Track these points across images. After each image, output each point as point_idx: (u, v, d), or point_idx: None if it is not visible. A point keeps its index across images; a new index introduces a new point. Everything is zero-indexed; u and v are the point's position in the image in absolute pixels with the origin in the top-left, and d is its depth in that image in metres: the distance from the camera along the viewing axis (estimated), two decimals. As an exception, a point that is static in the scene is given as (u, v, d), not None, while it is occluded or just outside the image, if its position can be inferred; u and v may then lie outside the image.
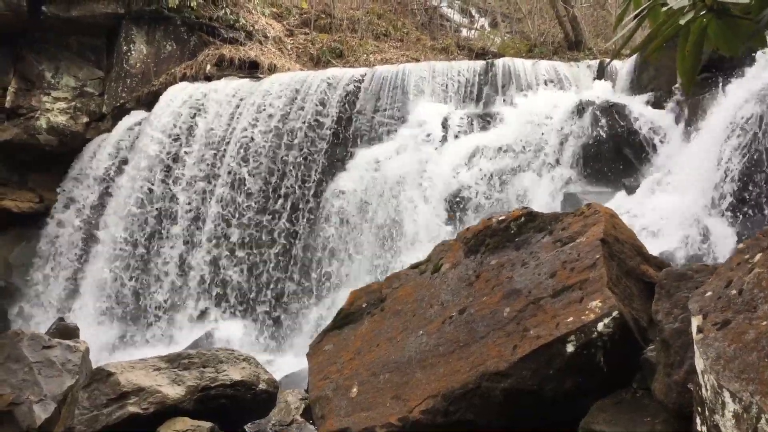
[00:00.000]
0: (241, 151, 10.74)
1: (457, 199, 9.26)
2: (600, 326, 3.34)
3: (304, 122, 10.73)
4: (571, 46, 14.33)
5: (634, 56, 9.56)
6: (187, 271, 10.44)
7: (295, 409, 5.63)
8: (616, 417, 3.22)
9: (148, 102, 11.95)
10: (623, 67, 10.04)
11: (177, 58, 12.56)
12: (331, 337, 4.47)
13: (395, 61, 12.92)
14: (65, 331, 7.46)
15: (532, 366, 3.41)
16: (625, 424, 3.16)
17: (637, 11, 2.36)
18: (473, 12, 18.44)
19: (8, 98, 12.24)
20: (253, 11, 13.73)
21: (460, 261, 4.26)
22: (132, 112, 12.08)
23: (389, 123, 10.50)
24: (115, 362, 5.48)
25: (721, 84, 7.83)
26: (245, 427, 5.46)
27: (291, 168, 10.58)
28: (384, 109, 10.68)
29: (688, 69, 2.25)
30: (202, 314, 10.17)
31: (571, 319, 3.42)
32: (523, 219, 4.21)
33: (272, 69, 12.32)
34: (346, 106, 10.82)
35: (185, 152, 11.00)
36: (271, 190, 10.55)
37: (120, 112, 12.18)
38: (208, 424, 4.88)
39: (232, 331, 9.67)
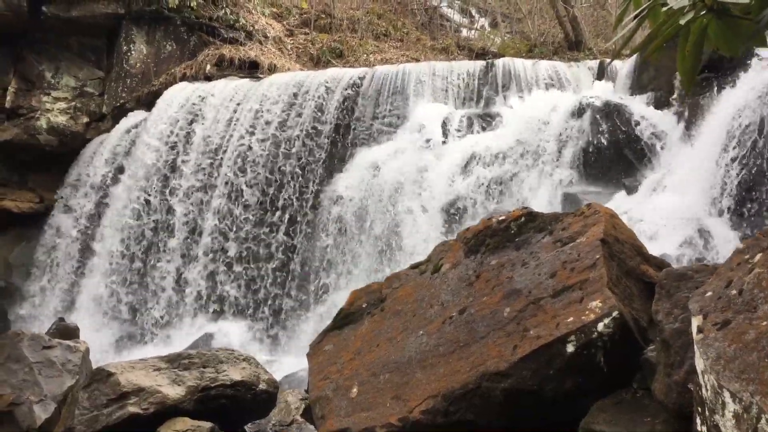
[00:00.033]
0: (239, 160, 10.61)
1: (455, 209, 9.15)
2: (600, 326, 3.34)
3: (302, 130, 10.62)
4: (571, 47, 14.33)
5: (634, 56, 9.55)
6: (184, 286, 10.28)
7: (295, 409, 5.63)
8: (616, 417, 3.22)
9: (148, 102, 11.95)
10: (623, 67, 10.03)
11: (177, 58, 12.56)
12: (332, 337, 4.47)
13: (395, 61, 12.91)
14: (65, 331, 7.46)
15: (533, 366, 3.41)
16: (625, 424, 3.16)
17: (637, 11, 2.36)
18: (473, 12, 18.44)
19: (8, 98, 12.25)
20: (253, 11, 13.73)
21: (461, 261, 4.26)
22: (132, 112, 12.05)
23: (388, 131, 10.42)
24: (115, 362, 5.49)
25: (716, 89, 7.84)
26: (245, 427, 5.46)
27: (289, 179, 10.45)
28: (383, 116, 10.56)
29: (688, 69, 2.25)
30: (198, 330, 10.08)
31: (571, 319, 3.42)
32: (523, 219, 4.21)
33: (272, 69, 12.32)
34: (345, 113, 10.70)
35: (182, 161, 10.86)
36: (268, 202, 10.42)
37: (120, 112, 12.18)
38: (208, 425, 4.88)
39: (232, 332, 9.65)
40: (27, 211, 12.33)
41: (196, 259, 10.38)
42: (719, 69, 8.11)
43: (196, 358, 5.27)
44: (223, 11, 12.96)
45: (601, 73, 10.46)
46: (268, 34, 13.44)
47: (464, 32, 17.03)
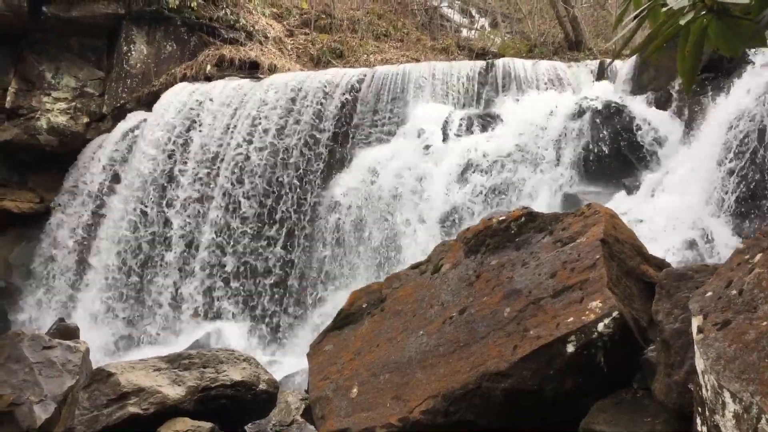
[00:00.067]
0: (236, 170, 10.44)
1: (452, 220, 9.00)
2: (600, 326, 3.34)
3: (299, 138, 10.47)
4: (572, 47, 14.33)
5: (635, 57, 9.55)
6: (181, 302, 10.10)
7: (295, 409, 5.63)
8: (616, 417, 3.22)
9: (149, 102, 11.94)
10: (623, 67, 10.03)
11: (177, 59, 12.56)
12: (332, 338, 4.47)
13: (395, 61, 12.91)
14: (65, 331, 7.46)
15: (533, 366, 3.41)
16: (625, 424, 3.16)
17: (637, 11, 2.36)
18: (473, 12, 18.44)
19: (8, 98, 12.25)
20: (254, 11, 13.74)
21: (461, 261, 4.26)
22: (132, 113, 11.99)
23: (387, 140, 10.35)
24: (116, 363, 5.50)
25: (710, 96, 7.84)
26: (245, 427, 5.46)
27: (287, 189, 10.30)
28: (382, 123, 10.43)
29: (689, 69, 2.25)
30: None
31: (571, 319, 3.42)
32: (523, 219, 4.21)
33: (272, 69, 12.32)
34: (343, 120, 10.57)
35: (179, 170, 10.69)
36: (266, 214, 10.25)
37: (120, 113, 12.18)
38: (208, 425, 4.88)
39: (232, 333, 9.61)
40: (27, 211, 12.33)
41: (193, 274, 10.18)
42: (719, 69, 8.11)
43: (196, 359, 5.27)
44: (223, 11, 12.96)
45: (601, 74, 10.46)
46: (269, 35, 13.45)
47: (464, 32, 17.03)
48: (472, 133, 9.83)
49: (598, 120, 8.89)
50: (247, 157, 10.51)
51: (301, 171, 10.38)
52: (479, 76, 10.77)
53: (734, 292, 2.74)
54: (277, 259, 10.11)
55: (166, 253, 10.46)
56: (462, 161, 9.40)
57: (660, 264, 3.97)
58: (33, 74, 12.42)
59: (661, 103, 9.05)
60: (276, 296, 9.95)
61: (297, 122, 10.62)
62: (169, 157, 10.85)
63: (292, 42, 14.00)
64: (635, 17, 2.36)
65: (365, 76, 10.96)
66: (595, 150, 8.79)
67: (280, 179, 10.37)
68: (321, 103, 10.66)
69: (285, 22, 14.65)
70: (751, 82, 7.26)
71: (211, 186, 10.53)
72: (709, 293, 2.83)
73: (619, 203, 7.65)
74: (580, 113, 9.08)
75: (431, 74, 10.75)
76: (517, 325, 3.59)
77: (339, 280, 9.48)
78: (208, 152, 10.72)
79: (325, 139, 10.50)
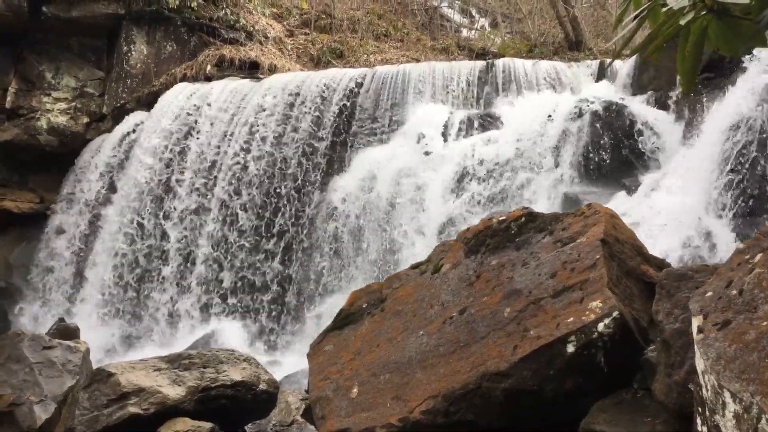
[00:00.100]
0: (233, 181, 10.30)
1: (449, 232, 8.84)
2: (600, 326, 3.34)
3: (297, 147, 10.35)
4: (572, 47, 14.33)
5: (635, 57, 9.55)
6: (177, 319, 9.97)
7: (295, 409, 5.63)
8: (616, 417, 3.22)
9: (149, 102, 11.95)
10: (623, 67, 10.03)
11: (177, 59, 12.56)
12: (332, 338, 4.47)
13: (395, 61, 12.91)
14: (66, 331, 7.46)
15: (533, 366, 3.41)
16: (625, 424, 3.16)
17: (638, 11, 2.36)
18: (473, 12, 18.44)
19: (9, 99, 12.26)
20: (254, 12, 13.74)
21: (461, 261, 4.26)
22: (132, 113, 11.97)
23: (387, 140, 10.29)
24: (116, 363, 5.50)
25: (710, 96, 7.84)
26: (246, 427, 5.46)
27: (285, 202, 10.16)
28: (381, 132, 10.33)
29: (689, 69, 2.25)
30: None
31: (571, 319, 3.42)
32: (523, 219, 4.21)
33: (272, 69, 12.32)
34: (341, 128, 10.47)
35: (176, 180, 10.53)
36: (264, 227, 10.10)
37: (120, 113, 12.18)
38: (208, 425, 4.88)
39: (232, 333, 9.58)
40: (27, 211, 12.34)
41: (189, 289, 10.02)
42: (719, 70, 8.11)
43: (196, 359, 5.27)
44: (223, 12, 12.96)
45: (601, 74, 10.46)
46: (269, 35, 13.45)
47: (464, 32, 17.03)
48: (472, 134, 9.78)
49: (598, 120, 8.88)
50: (245, 167, 10.37)
51: (299, 182, 10.26)
52: (479, 76, 10.76)
53: (734, 292, 2.74)
54: (275, 274, 9.96)
55: (163, 267, 10.28)
56: (461, 169, 9.31)
57: (660, 264, 3.96)
58: (33, 74, 12.42)
59: (662, 103, 9.05)
60: (273, 313, 9.80)
61: (295, 130, 10.51)
62: (166, 166, 10.71)
63: (292, 42, 14.00)
64: (635, 17, 2.36)
65: (364, 77, 10.91)
66: (595, 150, 8.78)
67: (278, 190, 10.24)
68: (319, 110, 10.56)
69: (285, 22, 14.65)
70: (749, 84, 7.26)
71: (208, 197, 10.37)
72: (710, 293, 2.83)
73: (619, 203, 7.65)
74: (580, 113, 9.08)
75: (431, 74, 10.74)
76: (518, 325, 3.59)
77: (337, 294, 9.28)
78: (205, 161, 10.58)
79: (323, 148, 10.39)
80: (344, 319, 4.52)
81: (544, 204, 8.57)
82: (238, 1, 13.42)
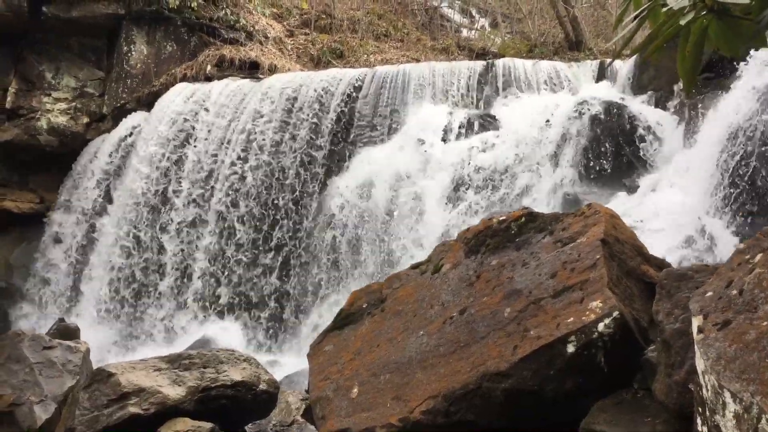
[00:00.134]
0: (231, 192, 10.16)
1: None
2: (600, 326, 3.34)
3: (296, 157, 10.22)
4: (572, 47, 14.33)
5: (635, 57, 9.55)
6: (174, 337, 9.84)
7: (295, 409, 5.63)
8: (616, 417, 3.22)
9: (149, 102, 11.94)
10: (624, 67, 10.04)
11: (177, 59, 12.56)
12: (332, 338, 4.47)
13: (395, 61, 12.91)
14: (66, 331, 7.47)
15: (533, 366, 3.41)
16: (625, 424, 3.16)
17: (638, 12, 2.36)
18: (473, 12, 18.45)
19: (9, 99, 12.26)
20: (254, 12, 13.74)
21: (461, 261, 4.26)
22: (126, 118, 11.90)
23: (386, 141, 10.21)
24: (116, 363, 5.49)
25: (711, 96, 7.83)
26: (246, 427, 5.46)
27: (283, 214, 10.03)
28: (381, 140, 10.23)
29: (689, 69, 2.25)
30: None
31: (571, 319, 3.42)
32: (523, 219, 4.21)
33: (272, 69, 12.32)
34: (340, 136, 10.37)
35: (174, 191, 10.38)
36: (261, 240, 9.95)
37: (120, 113, 12.18)
38: (208, 425, 4.88)
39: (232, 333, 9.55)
40: (27, 211, 12.34)
41: (186, 305, 9.85)
42: (719, 70, 8.11)
43: (196, 359, 5.27)
44: (223, 12, 12.96)
45: (601, 74, 10.46)
46: (269, 35, 13.45)
47: (464, 32, 17.04)
48: (472, 136, 9.73)
49: (598, 120, 8.88)
50: (243, 177, 10.21)
51: (297, 193, 10.13)
52: (479, 76, 10.76)
53: (734, 292, 2.74)
54: (273, 290, 9.83)
55: (159, 282, 10.12)
56: (459, 178, 9.22)
57: (660, 264, 3.96)
58: (33, 74, 12.43)
59: (662, 103, 9.06)
60: (271, 331, 9.68)
61: (293, 138, 10.38)
62: (163, 175, 10.55)
63: (292, 42, 14.00)
64: (635, 17, 2.36)
65: (364, 78, 10.87)
66: (596, 150, 8.78)
67: (276, 202, 10.11)
68: (317, 116, 10.43)
69: (285, 23, 14.65)
70: (749, 84, 7.26)
71: (206, 208, 10.20)
72: (710, 293, 2.83)
73: (620, 203, 7.65)
74: (580, 114, 9.07)
75: (431, 75, 10.73)
76: (518, 326, 3.59)
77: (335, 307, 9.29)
78: (202, 170, 10.44)
79: (320, 157, 10.29)
80: (344, 319, 4.52)
81: (545, 200, 8.57)
82: (238, 1, 13.42)
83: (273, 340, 9.66)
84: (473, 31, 17.24)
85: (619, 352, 3.36)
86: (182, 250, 10.16)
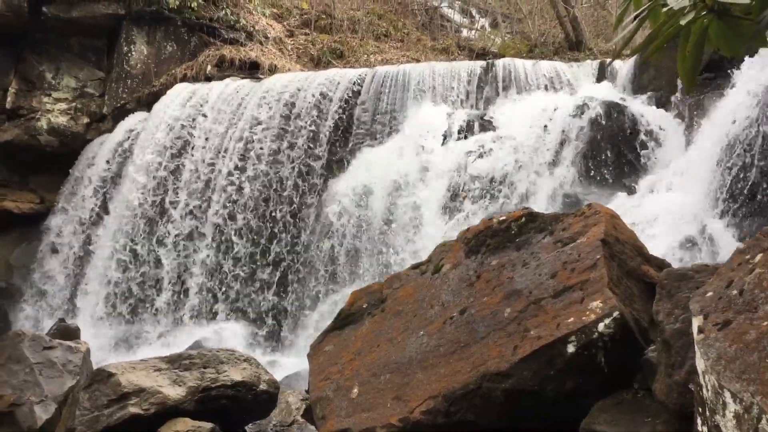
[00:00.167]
0: (228, 204, 10.00)
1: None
2: (601, 327, 3.34)
3: (294, 167, 10.11)
4: (572, 47, 14.33)
5: (635, 57, 9.55)
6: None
7: (296, 409, 5.63)
8: (617, 417, 3.22)
9: (149, 102, 11.94)
10: (624, 67, 10.03)
11: (177, 59, 12.56)
12: (332, 338, 4.47)
13: (395, 61, 12.91)
14: (66, 332, 7.46)
15: (533, 366, 3.41)
16: (626, 424, 3.16)
17: (638, 12, 2.36)
18: (474, 12, 18.44)
19: (9, 99, 12.26)
20: (254, 12, 13.74)
21: (461, 261, 4.26)
22: (123, 121, 11.85)
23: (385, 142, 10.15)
24: (116, 363, 5.49)
25: (711, 96, 7.83)
26: (246, 427, 5.47)
27: (281, 227, 9.90)
28: (381, 142, 10.14)
29: (689, 70, 2.25)
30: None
31: (571, 319, 3.42)
32: (523, 219, 4.21)
33: (273, 70, 12.32)
34: (339, 144, 10.28)
35: (171, 203, 10.21)
36: (259, 254, 9.82)
37: (120, 113, 12.18)
38: (208, 425, 4.88)
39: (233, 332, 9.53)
40: (27, 211, 12.34)
41: (181, 322, 9.71)
42: (720, 70, 8.11)
43: (196, 359, 5.27)
44: (223, 12, 12.96)
45: (601, 74, 10.46)
46: (269, 35, 13.45)
47: (465, 32, 17.04)
48: (473, 134, 9.69)
49: (598, 120, 8.88)
50: (240, 188, 10.06)
51: (294, 206, 10.01)
52: (480, 76, 10.75)
53: (735, 292, 2.74)
54: (270, 306, 9.72)
55: (156, 297, 9.95)
56: (458, 184, 9.16)
57: (661, 264, 3.96)
58: (33, 74, 12.43)
59: (662, 104, 9.06)
60: (269, 349, 9.56)
61: (291, 147, 10.26)
62: (160, 185, 10.40)
63: (292, 42, 14.00)
64: (635, 17, 2.36)
65: (364, 78, 10.85)
66: (596, 150, 8.78)
67: (274, 214, 9.99)
68: (315, 123, 10.32)
69: (285, 23, 14.65)
70: (749, 84, 7.26)
71: (203, 221, 10.03)
72: (710, 293, 2.83)
73: (620, 203, 7.65)
74: (580, 114, 9.07)
75: (431, 75, 10.72)
76: (518, 326, 3.59)
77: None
78: (199, 180, 10.29)
79: (319, 167, 10.20)
80: (344, 320, 4.52)
81: (545, 200, 8.56)
82: (238, 2, 13.42)
83: (270, 357, 9.45)
84: (473, 31, 17.24)
85: (620, 352, 3.37)
86: (179, 264, 9.99)
